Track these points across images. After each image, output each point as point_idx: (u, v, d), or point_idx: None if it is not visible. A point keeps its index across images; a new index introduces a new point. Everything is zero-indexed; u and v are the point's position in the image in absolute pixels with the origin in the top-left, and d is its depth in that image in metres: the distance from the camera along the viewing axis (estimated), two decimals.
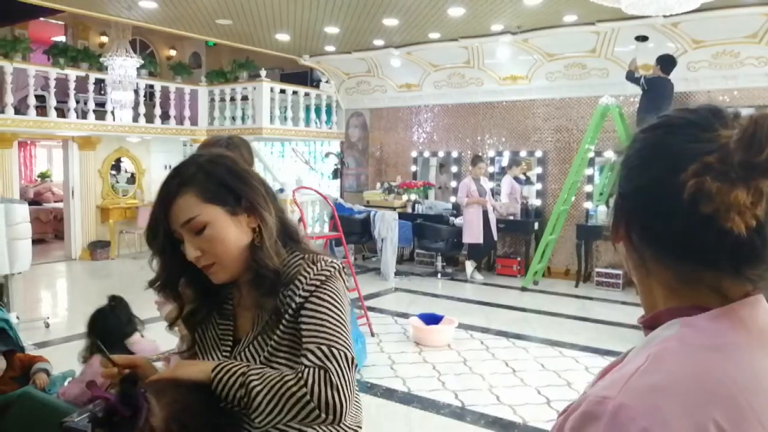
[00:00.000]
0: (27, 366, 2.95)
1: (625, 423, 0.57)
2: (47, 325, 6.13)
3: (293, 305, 1.17)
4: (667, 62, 7.16)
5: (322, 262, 1.21)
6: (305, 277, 1.18)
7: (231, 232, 1.18)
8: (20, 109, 8.51)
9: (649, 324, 0.72)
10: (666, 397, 0.58)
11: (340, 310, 1.18)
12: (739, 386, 0.60)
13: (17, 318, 5.88)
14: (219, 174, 1.19)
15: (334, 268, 1.22)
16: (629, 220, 0.71)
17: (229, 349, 1.25)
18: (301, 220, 6.28)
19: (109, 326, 2.63)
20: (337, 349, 1.12)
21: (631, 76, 7.39)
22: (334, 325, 1.15)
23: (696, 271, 0.67)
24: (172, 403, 1.03)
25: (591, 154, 8.21)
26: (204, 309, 1.29)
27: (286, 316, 1.18)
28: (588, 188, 8.64)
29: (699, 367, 0.61)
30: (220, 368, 1.09)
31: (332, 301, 1.18)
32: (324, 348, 1.11)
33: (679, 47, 7.62)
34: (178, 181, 1.18)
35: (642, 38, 7.77)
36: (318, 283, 1.18)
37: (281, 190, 9.87)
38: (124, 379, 1.06)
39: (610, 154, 8.42)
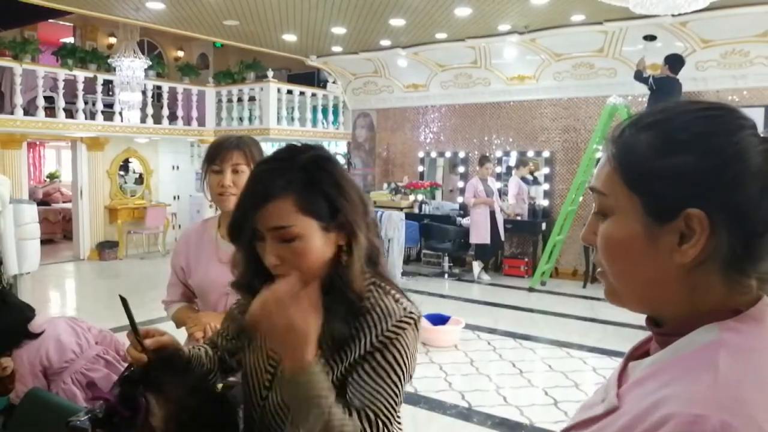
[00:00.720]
0: None
1: None
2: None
3: (361, 349, 1.08)
4: (675, 61, 7.12)
5: (402, 310, 1.11)
6: (382, 322, 1.09)
7: (318, 247, 1.09)
8: (29, 110, 8.57)
9: (673, 331, 0.69)
10: (755, 408, 0.58)
11: (401, 376, 1.09)
12: None
13: None
14: (322, 183, 1.09)
15: (413, 319, 1.12)
16: (713, 206, 0.65)
17: (275, 360, 1.17)
18: None
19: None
20: (382, 420, 1.06)
21: (639, 76, 7.36)
22: (390, 393, 1.08)
23: (745, 271, 0.66)
24: (170, 403, 1.02)
25: (599, 155, 8.14)
26: None
27: (347, 350, 1.09)
28: None
29: (764, 371, 0.62)
30: (315, 370, 1.00)
31: (399, 364, 1.09)
32: (370, 414, 1.05)
33: (687, 47, 7.58)
34: (280, 184, 1.07)
35: (650, 38, 7.73)
36: (393, 335, 1.09)
37: None
38: (125, 380, 1.06)
39: None
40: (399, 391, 1.09)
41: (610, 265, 0.72)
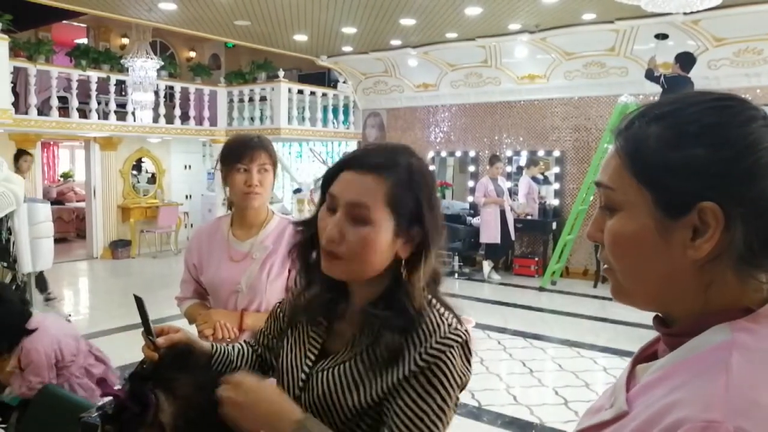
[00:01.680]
0: None
1: None
2: (69, 323, 6.21)
3: (404, 369, 1.02)
4: (686, 60, 7.06)
5: (446, 326, 1.04)
6: (426, 339, 1.03)
7: (383, 247, 1.04)
8: (43, 110, 8.66)
9: (683, 331, 0.67)
10: None
11: (446, 402, 1.03)
12: None
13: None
14: (420, 190, 1.05)
15: (460, 338, 1.05)
16: (727, 198, 0.63)
17: (311, 361, 1.14)
18: None
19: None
20: None
21: (650, 75, 7.31)
22: (432, 421, 1.01)
23: (761, 266, 0.65)
24: (179, 399, 1.04)
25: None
26: (306, 307, 1.18)
27: (390, 366, 1.04)
28: None
29: None
30: (312, 420, 1.00)
31: (442, 389, 1.02)
32: None
33: (699, 45, 7.52)
34: (384, 165, 1.04)
35: (662, 36, 7.67)
36: (436, 355, 1.02)
37: (299, 190, 9.93)
38: (134, 376, 1.08)
39: None
40: (443, 420, 1.03)
41: (619, 262, 0.70)
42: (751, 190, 0.62)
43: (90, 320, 6.57)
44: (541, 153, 9.26)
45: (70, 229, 12.21)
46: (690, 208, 0.63)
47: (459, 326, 1.06)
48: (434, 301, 1.10)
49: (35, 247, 5.58)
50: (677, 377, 0.64)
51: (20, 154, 7.31)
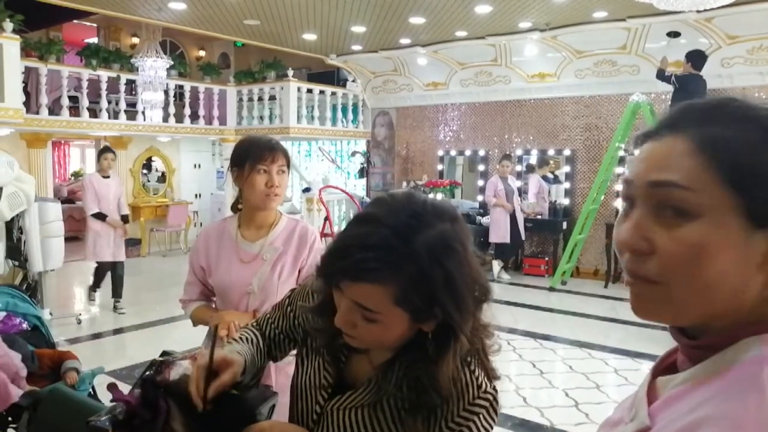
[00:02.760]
0: (57, 363, 3.00)
1: None
2: (79, 322, 6.25)
3: (435, 425, 0.99)
4: (697, 58, 6.98)
5: (476, 388, 1.00)
6: (457, 402, 0.99)
7: (399, 335, 0.98)
8: (54, 109, 8.70)
9: (719, 343, 0.62)
10: None
11: None
12: None
13: (50, 314, 6.02)
14: (433, 281, 0.92)
15: (489, 399, 1.01)
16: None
17: (327, 393, 1.10)
18: (327, 218, 6.30)
19: None
20: None
21: (661, 75, 7.24)
22: None
23: None
24: (192, 407, 1.02)
25: (621, 153, 8.07)
26: (325, 339, 1.11)
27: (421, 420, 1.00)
28: (618, 187, 8.50)
29: None
30: None
31: None
32: None
33: (712, 43, 7.44)
34: (383, 271, 0.91)
35: (674, 34, 7.61)
36: (463, 420, 0.98)
37: (308, 189, 9.92)
38: (146, 381, 1.06)
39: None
40: None
41: (685, 276, 0.61)
42: None
43: (99, 320, 6.59)
44: (551, 152, 9.20)
45: (81, 227, 12.22)
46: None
47: (488, 386, 1.01)
48: (469, 358, 1.02)
49: (46, 246, 5.62)
50: (705, 392, 0.59)
51: (103, 152, 6.67)
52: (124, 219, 6.75)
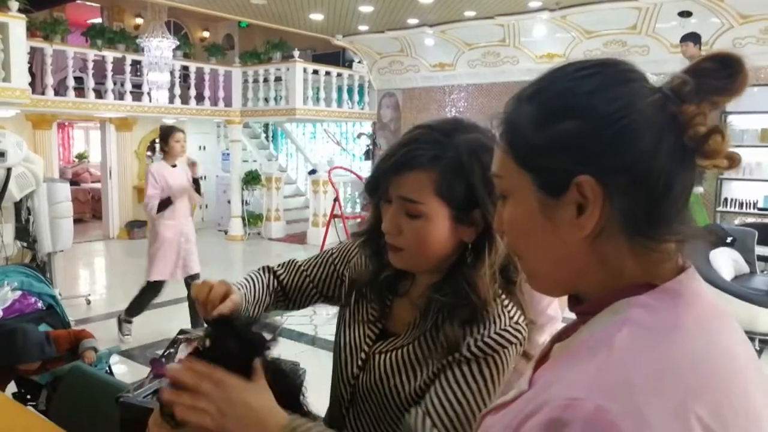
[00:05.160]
0: (74, 342, 3.00)
1: (606, 428, 0.50)
2: (88, 302, 6.27)
3: (456, 353, 1.00)
4: (696, 37, 6.67)
5: (509, 318, 1.01)
6: (486, 327, 1.00)
7: (441, 237, 1.00)
8: (59, 90, 8.64)
9: (591, 309, 0.63)
10: (643, 394, 0.52)
11: (489, 397, 0.98)
12: (711, 369, 0.56)
13: (60, 295, 6.02)
14: (472, 173, 0.98)
15: (519, 337, 1.01)
16: (604, 172, 0.60)
17: (371, 340, 1.12)
18: (336, 199, 6.27)
19: None
20: None
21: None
22: (472, 411, 0.97)
23: (652, 236, 0.60)
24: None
25: None
26: (372, 281, 1.15)
27: (449, 357, 1.00)
28: None
29: (667, 353, 0.55)
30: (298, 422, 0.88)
31: (491, 382, 0.99)
32: (441, 431, 0.96)
33: (724, 22, 7.36)
34: (426, 156, 0.98)
35: (685, 14, 7.50)
36: (494, 344, 0.99)
37: (314, 171, 9.89)
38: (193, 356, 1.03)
39: None
40: (479, 412, 0.98)
41: (517, 249, 0.69)
42: (625, 157, 0.59)
43: (108, 300, 6.61)
44: None
45: (86, 209, 12.27)
46: (568, 185, 0.60)
47: (521, 322, 1.02)
48: (504, 295, 1.04)
49: (55, 227, 5.60)
50: (570, 356, 0.61)
51: (170, 132, 4.90)
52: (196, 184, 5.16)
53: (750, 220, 7.02)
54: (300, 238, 10.27)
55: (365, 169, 11.37)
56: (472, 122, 1.06)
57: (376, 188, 1.05)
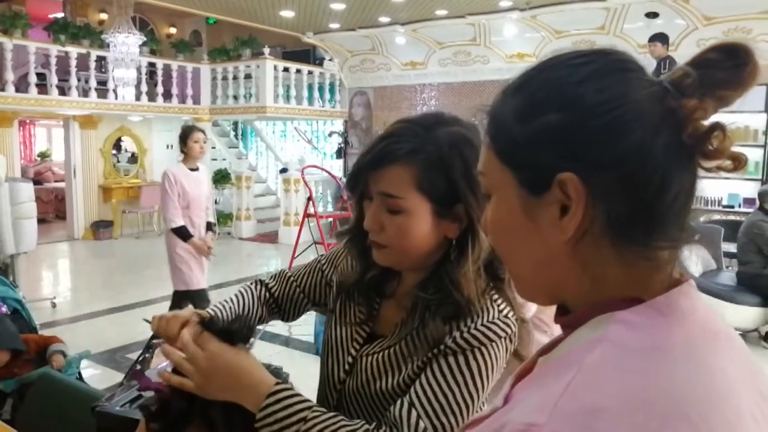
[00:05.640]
0: (42, 347, 2.90)
1: None
2: (54, 305, 6.09)
3: (444, 347, 0.97)
4: (664, 37, 6.80)
5: (498, 311, 0.99)
6: (473, 320, 0.98)
7: (423, 232, 0.99)
8: (20, 87, 8.39)
9: (572, 322, 0.58)
10: (608, 421, 0.47)
11: (477, 391, 0.96)
12: (691, 399, 0.49)
13: (24, 298, 5.84)
14: (452, 168, 0.96)
15: (508, 330, 0.99)
16: (588, 172, 0.54)
17: (359, 344, 1.10)
18: (310, 198, 6.21)
19: None
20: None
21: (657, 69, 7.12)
22: (458, 403, 0.94)
23: (641, 242, 0.55)
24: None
25: None
26: (358, 282, 1.13)
27: (434, 350, 0.98)
28: None
29: (642, 377, 0.49)
30: (275, 399, 0.90)
31: (478, 376, 0.96)
32: (424, 422, 0.93)
33: (689, 24, 7.52)
34: (404, 149, 0.96)
35: (652, 15, 7.64)
36: (481, 337, 0.96)
37: (285, 170, 9.80)
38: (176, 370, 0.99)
39: None
40: (469, 407, 0.95)
41: (501, 250, 0.64)
42: (613, 153, 0.53)
43: (74, 303, 6.44)
44: None
45: (49, 209, 11.95)
46: (551, 182, 0.55)
47: (510, 316, 0.99)
48: (492, 292, 1.01)
49: (18, 228, 5.43)
50: (542, 374, 0.57)
51: (191, 131, 4.35)
52: (210, 227, 4.58)
53: (716, 217, 7.19)
54: (271, 238, 10.16)
55: (337, 167, 11.32)
56: (453, 116, 1.04)
57: (356, 184, 1.03)
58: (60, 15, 11.52)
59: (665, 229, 0.55)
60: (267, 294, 1.27)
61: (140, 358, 2.18)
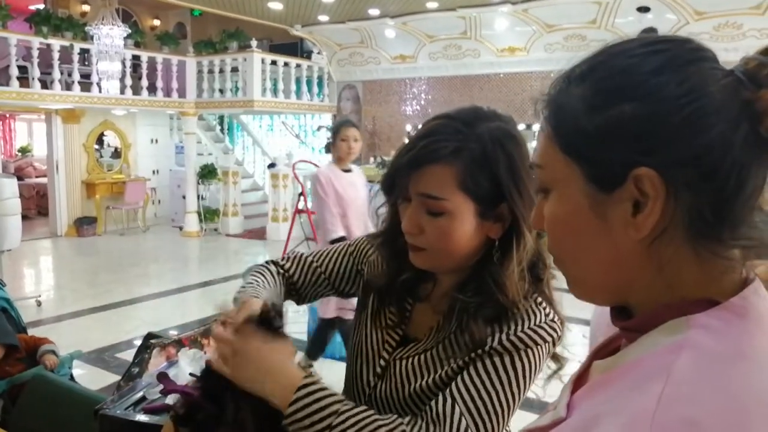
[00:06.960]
0: (32, 348, 2.79)
1: None
2: (39, 304, 5.94)
3: (489, 348, 0.94)
4: (653, 32, 6.93)
5: (545, 315, 0.96)
6: (518, 323, 0.94)
7: (467, 234, 0.94)
8: (1, 80, 8.18)
9: (640, 326, 0.56)
10: None
11: (519, 392, 0.93)
12: None
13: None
14: (497, 165, 0.92)
15: (554, 335, 0.96)
16: (672, 164, 0.51)
17: (391, 347, 1.06)
18: (302, 194, 6.12)
19: None
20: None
21: None
22: (500, 403, 0.92)
23: (722, 239, 0.52)
24: (255, 398, 0.88)
25: None
26: (390, 285, 1.08)
27: (476, 352, 0.95)
28: None
29: (733, 385, 0.47)
30: (306, 393, 0.86)
31: (522, 377, 0.93)
32: (466, 420, 0.90)
33: (680, 18, 7.53)
34: (447, 148, 0.92)
35: (643, 9, 7.66)
36: (526, 340, 0.93)
37: (273, 165, 9.68)
38: (208, 372, 0.91)
39: None
40: (510, 408, 0.93)
41: (561, 251, 0.61)
42: (692, 147, 0.51)
43: (59, 301, 6.28)
44: (521, 126, 9.14)
45: (31, 205, 11.71)
46: (624, 178, 0.52)
47: (556, 321, 0.97)
48: (535, 294, 0.98)
49: (2, 225, 5.30)
50: (617, 382, 0.54)
51: (344, 126, 3.84)
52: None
53: None
54: (259, 234, 10.04)
55: (325, 162, 11.22)
56: (492, 110, 1.00)
57: (392, 186, 0.98)
58: (41, 6, 11.27)
59: (738, 227, 0.52)
60: (284, 274, 1.21)
61: (137, 360, 2.10)
